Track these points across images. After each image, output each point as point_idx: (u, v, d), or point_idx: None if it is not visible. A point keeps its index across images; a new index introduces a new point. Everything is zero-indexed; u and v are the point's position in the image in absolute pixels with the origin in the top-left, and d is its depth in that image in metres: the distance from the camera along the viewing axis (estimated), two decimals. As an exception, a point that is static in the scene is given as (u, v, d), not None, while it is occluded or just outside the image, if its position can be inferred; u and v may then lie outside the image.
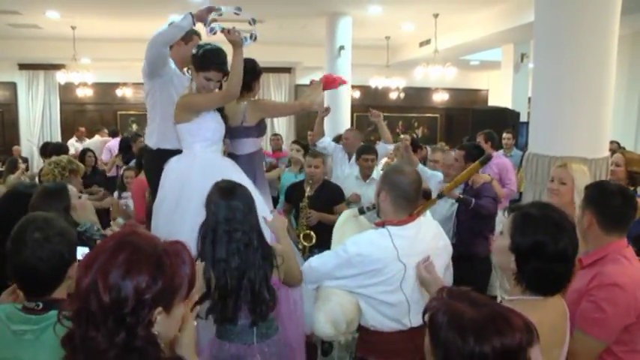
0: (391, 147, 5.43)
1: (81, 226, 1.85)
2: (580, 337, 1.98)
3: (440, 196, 3.01)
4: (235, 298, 2.22)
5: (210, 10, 3.03)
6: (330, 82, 3.56)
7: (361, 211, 2.70)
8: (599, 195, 2.18)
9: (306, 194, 4.21)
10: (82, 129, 11.08)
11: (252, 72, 3.33)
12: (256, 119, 3.35)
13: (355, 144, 5.24)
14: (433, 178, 4.34)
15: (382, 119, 5.20)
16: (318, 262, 2.35)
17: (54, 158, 4.06)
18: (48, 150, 6.38)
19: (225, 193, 2.28)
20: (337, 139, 5.92)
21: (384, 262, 2.18)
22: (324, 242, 4.23)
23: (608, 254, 2.10)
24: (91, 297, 1.13)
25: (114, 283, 1.13)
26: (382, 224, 2.29)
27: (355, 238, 2.29)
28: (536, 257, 1.66)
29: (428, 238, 2.33)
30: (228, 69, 3.00)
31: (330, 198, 4.32)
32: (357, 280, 2.22)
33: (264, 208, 2.91)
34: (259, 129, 3.43)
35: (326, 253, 2.40)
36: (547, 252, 1.65)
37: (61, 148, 6.46)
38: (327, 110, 5.09)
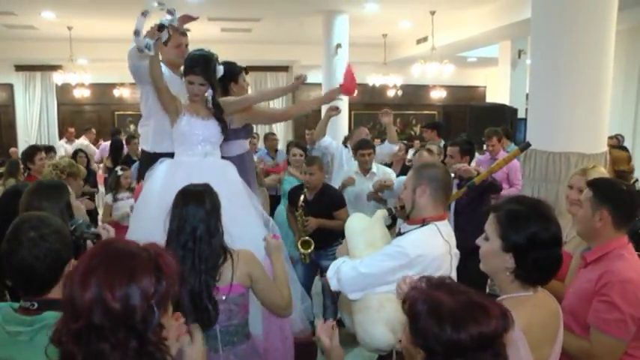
0: (396, 147, 5.42)
1: (71, 223, 1.81)
2: (600, 339, 2.00)
3: (471, 185, 3.11)
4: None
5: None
6: (349, 77, 3.42)
7: (390, 212, 2.64)
8: (613, 192, 2.16)
9: (300, 202, 4.15)
10: (72, 130, 11.04)
11: (229, 74, 3.34)
12: (243, 121, 3.35)
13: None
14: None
15: (392, 119, 5.17)
16: (367, 267, 2.24)
17: (54, 160, 4.04)
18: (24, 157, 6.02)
19: (180, 198, 2.24)
20: (345, 141, 5.92)
21: (442, 258, 2.21)
22: (324, 242, 4.24)
23: (611, 250, 2.11)
24: (95, 310, 1.10)
25: (122, 292, 1.11)
26: (423, 221, 2.28)
27: (410, 240, 2.25)
28: (534, 249, 1.67)
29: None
30: (210, 74, 3.02)
31: (330, 204, 4.27)
32: None
33: (249, 215, 2.94)
34: (246, 130, 3.45)
35: (373, 257, 2.28)
36: (542, 240, 1.67)
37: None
38: (336, 110, 5.04)
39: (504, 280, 1.75)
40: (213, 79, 3.06)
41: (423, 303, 1.26)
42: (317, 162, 4.29)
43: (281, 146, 9.15)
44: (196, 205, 2.21)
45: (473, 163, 4.75)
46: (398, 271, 2.15)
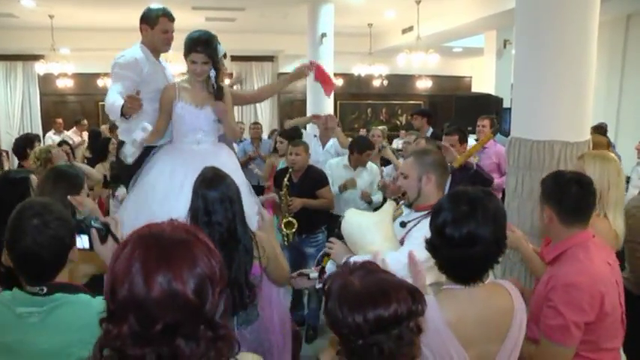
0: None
1: (79, 215, 1.84)
2: (546, 345, 1.95)
3: (452, 169, 3.20)
4: None
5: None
6: (321, 76, 3.55)
7: (397, 202, 2.56)
8: (555, 187, 2.08)
9: (285, 183, 4.22)
10: (60, 120, 10.85)
11: None
12: None
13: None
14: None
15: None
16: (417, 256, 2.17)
17: (36, 150, 4.00)
18: (20, 146, 5.89)
19: (205, 182, 2.25)
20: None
21: None
22: (308, 227, 4.29)
23: (569, 249, 2.03)
24: (169, 308, 1.00)
25: (194, 282, 1.02)
26: (432, 207, 2.24)
27: None
28: (440, 242, 1.66)
29: None
30: (213, 52, 3.02)
31: (313, 183, 4.34)
32: None
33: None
34: None
35: (414, 247, 2.13)
36: (447, 236, 1.63)
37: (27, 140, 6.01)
38: (319, 119, 5.19)
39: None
40: (216, 58, 3.06)
41: (334, 284, 1.30)
42: (302, 144, 4.39)
43: (265, 135, 9.14)
44: (226, 188, 2.24)
45: None
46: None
